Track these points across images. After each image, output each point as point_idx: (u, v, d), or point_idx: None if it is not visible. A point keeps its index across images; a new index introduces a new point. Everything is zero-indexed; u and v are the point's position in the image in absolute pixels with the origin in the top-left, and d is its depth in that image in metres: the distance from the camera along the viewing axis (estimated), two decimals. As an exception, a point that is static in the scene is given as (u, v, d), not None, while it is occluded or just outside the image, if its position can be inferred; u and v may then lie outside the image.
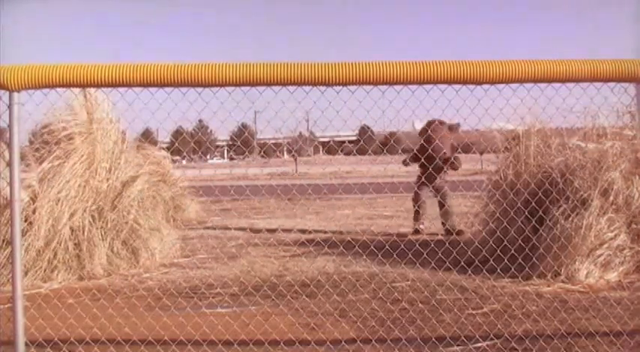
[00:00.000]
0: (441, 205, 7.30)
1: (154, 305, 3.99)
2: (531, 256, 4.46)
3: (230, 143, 37.52)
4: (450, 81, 2.67)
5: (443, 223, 7.24)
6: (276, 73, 2.60)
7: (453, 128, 7.21)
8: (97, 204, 5.40)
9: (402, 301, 4.21)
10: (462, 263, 4.71)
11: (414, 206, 7.47)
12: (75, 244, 5.17)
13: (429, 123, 6.84)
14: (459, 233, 6.64)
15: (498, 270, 4.22)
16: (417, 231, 7.35)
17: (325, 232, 7.85)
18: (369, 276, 4.87)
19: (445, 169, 7.27)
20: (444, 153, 7.10)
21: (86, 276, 5.10)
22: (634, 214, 4.88)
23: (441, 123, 6.89)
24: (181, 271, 5.47)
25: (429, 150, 6.32)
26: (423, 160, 6.58)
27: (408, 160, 7.40)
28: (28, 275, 4.88)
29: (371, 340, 3.29)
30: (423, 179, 6.92)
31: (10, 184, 2.58)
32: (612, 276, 4.68)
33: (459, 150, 7.40)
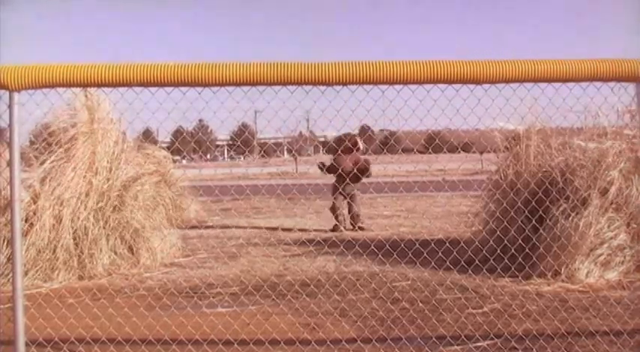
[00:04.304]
0: (350, 207, 8.18)
1: (155, 304, 3.99)
2: (531, 255, 4.46)
3: (230, 142, 37.50)
4: (450, 80, 2.67)
5: (352, 224, 8.16)
6: (276, 72, 2.60)
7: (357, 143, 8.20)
8: (98, 204, 5.40)
9: (403, 300, 4.21)
10: (463, 262, 4.70)
11: (333, 215, 8.19)
12: (76, 244, 5.18)
13: (340, 140, 8.06)
14: (361, 228, 8.02)
15: (498, 270, 4.23)
16: (335, 228, 8.11)
17: (325, 231, 7.85)
18: (370, 276, 4.88)
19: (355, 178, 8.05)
20: (351, 166, 7.99)
21: (86, 276, 5.10)
22: (634, 213, 4.88)
23: (351, 138, 7.98)
24: (182, 271, 5.47)
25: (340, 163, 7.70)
26: (338, 170, 7.57)
27: (324, 170, 8.42)
28: (28, 274, 4.88)
29: (371, 339, 3.29)
30: (339, 188, 7.75)
31: (11, 184, 2.58)
32: (612, 276, 4.68)
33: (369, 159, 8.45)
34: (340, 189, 7.68)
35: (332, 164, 8.21)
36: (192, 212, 9.43)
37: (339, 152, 8.11)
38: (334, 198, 8.05)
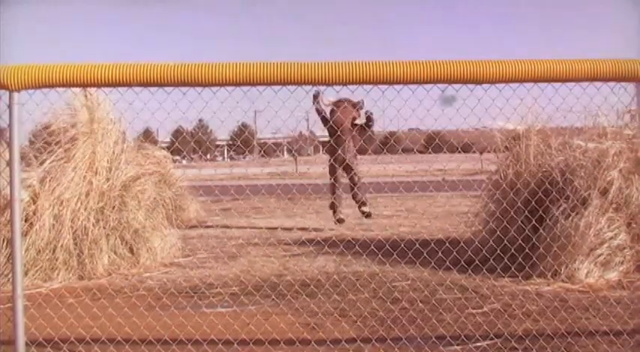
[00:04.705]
0: (352, 181, 7.72)
1: (154, 304, 3.99)
2: (531, 255, 4.46)
3: (230, 142, 37.52)
4: (449, 80, 2.67)
5: (359, 204, 7.80)
6: (276, 72, 2.60)
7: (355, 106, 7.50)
8: (98, 204, 5.40)
9: (402, 300, 4.21)
10: (462, 262, 4.70)
11: (332, 195, 7.85)
12: (76, 244, 5.17)
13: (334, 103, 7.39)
14: (368, 215, 7.70)
15: (498, 270, 4.23)
16: (340, 220, 7.82)
17: (325, 231, 7.85)
18: (370, 276, 4.87)
19: (350, 146, 7.59)
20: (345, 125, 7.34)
21: (86, 276, 5.10)
22: (634, 213, 4.88)
23: (343, 101, 7.26)
24: (181, 271, 5.47)
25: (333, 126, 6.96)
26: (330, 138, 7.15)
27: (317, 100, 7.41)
28: (28, 274, 4.88)
29: (371, 339, 3.29)
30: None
31: (10, 184, 2.59)
32: (612, 275, 4.68)
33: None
34: (338, 168, 7.34)
35: (320, 107, 7.39)
36: (192, 212, 9.43)
37: (335, 107, 7.29)
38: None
